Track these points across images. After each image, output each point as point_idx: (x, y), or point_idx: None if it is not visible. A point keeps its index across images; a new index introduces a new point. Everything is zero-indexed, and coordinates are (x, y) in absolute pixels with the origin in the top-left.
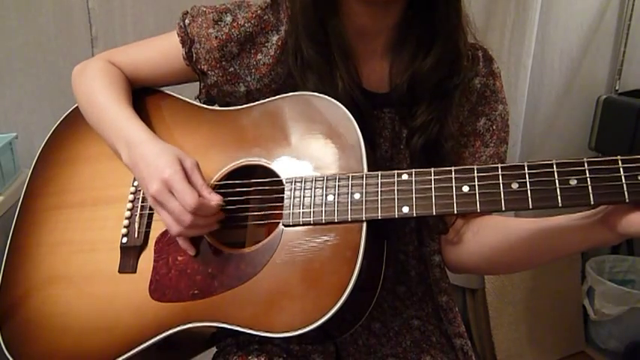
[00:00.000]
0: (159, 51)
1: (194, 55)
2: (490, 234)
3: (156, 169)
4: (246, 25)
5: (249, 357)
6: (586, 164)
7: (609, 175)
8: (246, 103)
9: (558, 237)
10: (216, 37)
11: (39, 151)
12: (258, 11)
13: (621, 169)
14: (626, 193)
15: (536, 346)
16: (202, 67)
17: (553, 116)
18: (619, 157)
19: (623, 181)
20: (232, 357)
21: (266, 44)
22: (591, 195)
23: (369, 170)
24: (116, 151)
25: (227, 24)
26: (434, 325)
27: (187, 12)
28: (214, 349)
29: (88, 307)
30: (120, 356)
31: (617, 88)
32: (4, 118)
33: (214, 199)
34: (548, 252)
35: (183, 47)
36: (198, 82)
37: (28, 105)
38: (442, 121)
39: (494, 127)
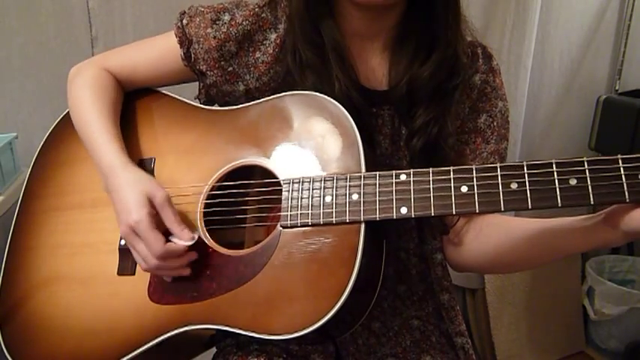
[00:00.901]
0: (157, 51)
1: (192, 56)
2: (493, 233)
3: (125, 209)
4: (244, 23)
5: (249, 357)
6: (586, 164)
7: (609, 175)
8: (245, 103)
9: (561, 237)
10: (214, 37)
11: (37, 151)
12: (256, 9)
13: (621, 169)
14: (626, 192)
15: (536, 346)
16: (201, 67)
17: (553, 116)
18: (619, 156)
19: (624, 180)
20: (232, 357)
21: (264, 42)
22: (591, 195)
23: (367, 170)
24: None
25: (225, 23)
26: (434, 325)
27: (185, 12)
28: (214, 349)
29: (89, 309)
30: (120, 358)
31: (617, 88)
32: (4, 118)
33: (184, 237)
34: (550, 252)
35: (181, 48)
36: (196, 82)
37: (28, 105)
38: (441, 122)
39: (494, 124)
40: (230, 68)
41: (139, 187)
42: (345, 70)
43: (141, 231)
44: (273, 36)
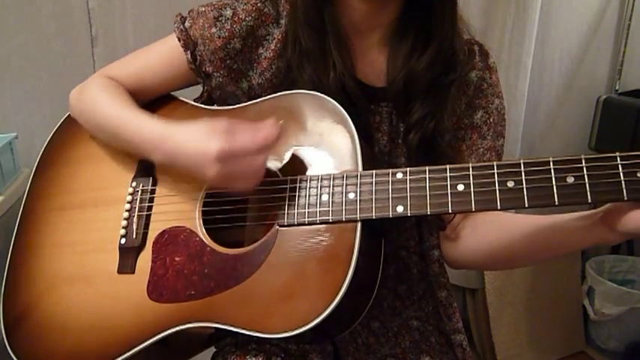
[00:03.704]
0: (159, 57)
1: (198, 58)
2: (490, 229)
3: (198, 153)
4: (247, 19)
5: (247, 356)
6: (583, 161)
7: (607, 173)
8: (246, 101)
9: (559, 235)
10: (219, 37)
11: (41, 152)
12: (258, 4)
13: (620, 167)
14: (624, 190)
15: (536, 346)
16: (207, 69)
17: (553, 116)
18: (617, 154)
19: (622, 178)
20: (231, 357)
21: (267, 37)
22: (588, 193)
23: (365, 167)
24: (146, 155)
25: (228, 19)
26: (433, 326)
27: (183, 15)
28: (213, 349)
29: (90, 307)
30: (119, 356)
31: (617, 88)
32: (4, 118)
33: (268, 124)
34: (547, 249)
35: (185, 51)
36: (195, 85)
37: (28, 105)
38: (437, 117)
39: (491, 120)
40: (235, 66)
41: (199, 130)
42: (343, 57)
43: (228, 146)
44: (276, 31)
